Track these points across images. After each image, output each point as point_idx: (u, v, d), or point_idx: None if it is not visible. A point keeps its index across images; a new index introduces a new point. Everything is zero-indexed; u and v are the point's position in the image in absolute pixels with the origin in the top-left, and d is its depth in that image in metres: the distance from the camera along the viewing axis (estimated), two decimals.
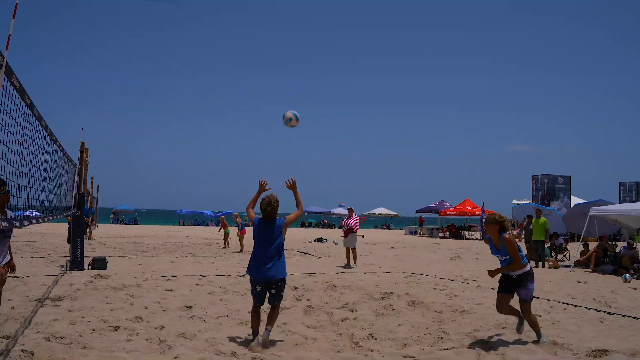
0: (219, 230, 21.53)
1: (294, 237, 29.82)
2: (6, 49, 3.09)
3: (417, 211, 40.40)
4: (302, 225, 53.98)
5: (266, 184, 5.99)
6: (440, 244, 27.36)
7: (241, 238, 18.25)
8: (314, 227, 52.61)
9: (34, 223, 5.26)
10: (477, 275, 12.21)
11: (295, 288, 9.42)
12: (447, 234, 36.31)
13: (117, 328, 5.91)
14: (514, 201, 37.91)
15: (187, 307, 7.39)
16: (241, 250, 17.64)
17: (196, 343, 5.49)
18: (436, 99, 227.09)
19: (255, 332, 5.53)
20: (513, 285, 5.86)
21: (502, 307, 5.91)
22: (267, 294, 5.66)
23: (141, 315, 6.62)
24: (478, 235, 35.25)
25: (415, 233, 39.04)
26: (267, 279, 5.54)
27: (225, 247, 19.45)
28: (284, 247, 5.81)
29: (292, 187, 5.95)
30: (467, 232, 36.34)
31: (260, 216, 5.78)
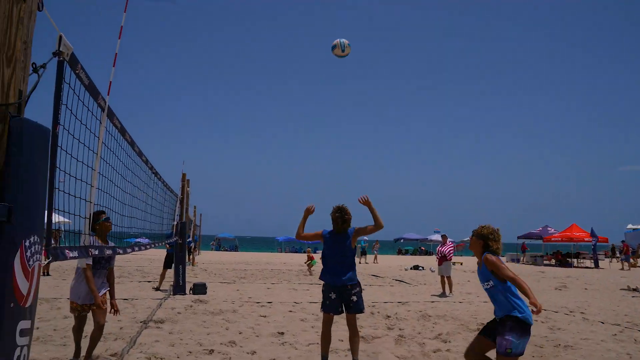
0: (305, 262, 21.78)
1: (390, 265, 29.46)
2: (107, 94, 3.42)
3: (518, 237, 38.38)
4: (399, 252, 53.23)
5: (313, 208, 5.86)
6: (545, 272, 25.71)
7: None
8: (410, 255, 51.65)
9: (137, 250, 5.64)
10: (586, 307, 11.32)
11: (388, 317, 9.27)
12: (553, 261, 34.09)
13: (211, 352, 6.14)
14: (629, 226, 34.93)
15: (279, 333, 7.51)
16: None
17: None
18: (538, 120, 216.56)
19: (325, 357, 5.47)
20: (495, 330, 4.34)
21: (470, 353, 4.47)
22: (343, 306, 5.48)
23: (235, 340, 6.83)
24: (588, 263, 32.77)
25: (518, 261, 37.02)
26: (342, 282, 5.43)
27: (310, 274, 19.54)
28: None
29: (367, 203, 5.64)
30: (575, 260, 33.88)
31: (331, 230, 5.69)
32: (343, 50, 6.38)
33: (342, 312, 5.52)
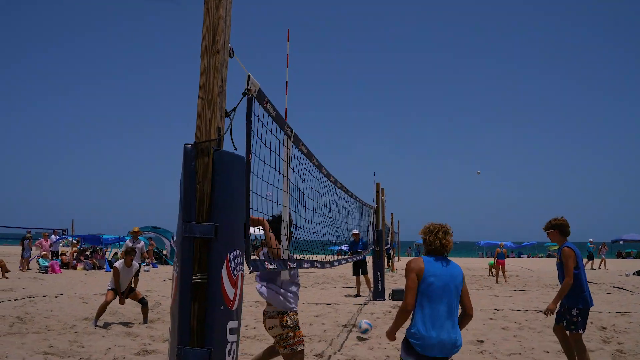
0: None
1: (607, 269, 26.37)
2: (285, 119, 3.79)
3: None
4: (618, 255, 47.26)
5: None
6: None
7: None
8: (633, 258, 45.46)
9: (335, 266, 6.02)
10: None
11: (604, 328, 8.41)
12: None
13: None
14: None
15: (478, 341, 7.32)
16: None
17: None
18: None
19: None
20: None
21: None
22: None
23: None
24: None
25: None
26: None
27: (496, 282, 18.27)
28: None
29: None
30: None
31: None
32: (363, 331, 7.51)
33: None
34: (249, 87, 2.77)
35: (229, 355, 2.32)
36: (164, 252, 27.18)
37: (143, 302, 8.60)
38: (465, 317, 3.76)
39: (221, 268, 2.27)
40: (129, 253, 8.77)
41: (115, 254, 24.79)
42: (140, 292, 9.10)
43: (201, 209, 2.30)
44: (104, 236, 25.25)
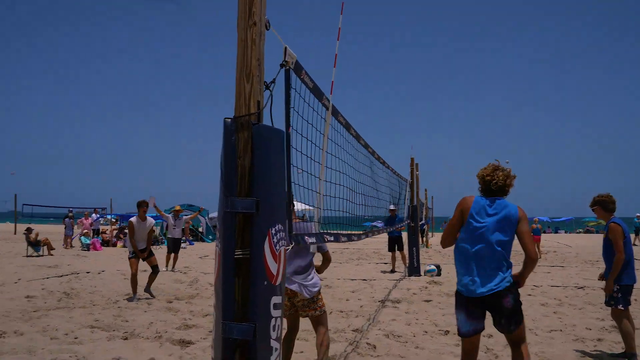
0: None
1: None
2: (330, 94, 3.74)
3: None
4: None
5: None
6: None
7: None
8: None
9: (353, 239, 5.97)
10: None
11: None
12: None
13: (447, 332, 6.23)
14: None
15: None
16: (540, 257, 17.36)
17: None
18: None
19: None
20: None
21: None
22: None
23: None
24: None
25: None
26: None
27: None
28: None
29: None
30: None
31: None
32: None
33: None
34: (286, 59, 2.73)
35: (274, 330, 2.32)
36: (200, 229, 27.68)
37: (155, 270, 8.76)
38: (527, 260, 3.61)
39: (263, 243, 2.26)
40: (141, 205, 8.77)
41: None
42: (180, 267, 9.24)
43: (242, 184, 2.28)
44: None
